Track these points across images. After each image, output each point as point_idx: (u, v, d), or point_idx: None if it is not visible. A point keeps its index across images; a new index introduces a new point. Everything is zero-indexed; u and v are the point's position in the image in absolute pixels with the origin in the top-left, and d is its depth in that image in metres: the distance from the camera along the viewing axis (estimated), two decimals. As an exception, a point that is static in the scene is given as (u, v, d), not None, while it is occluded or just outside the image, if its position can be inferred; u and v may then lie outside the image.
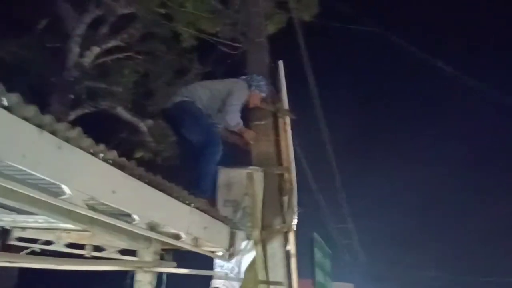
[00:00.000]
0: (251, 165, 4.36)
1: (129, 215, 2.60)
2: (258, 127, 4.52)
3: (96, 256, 3.63)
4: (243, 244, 3.96)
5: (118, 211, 2.56)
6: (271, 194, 4.20)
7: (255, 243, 3.90)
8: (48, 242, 3.75)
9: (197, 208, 3.29)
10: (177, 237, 3.15)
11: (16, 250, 3.87)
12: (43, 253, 3.74)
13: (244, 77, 4.50)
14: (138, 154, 9.66)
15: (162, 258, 3.77)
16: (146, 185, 2.67)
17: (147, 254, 3.44)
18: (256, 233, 3.91)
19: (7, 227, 3.62)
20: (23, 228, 3.64)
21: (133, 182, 2.55)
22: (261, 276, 3.85)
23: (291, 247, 4.09)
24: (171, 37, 8.73)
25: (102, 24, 9.61)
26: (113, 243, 3.54)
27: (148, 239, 3.26)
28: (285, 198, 4.21)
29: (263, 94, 4.49)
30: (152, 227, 2.83)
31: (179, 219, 3.08)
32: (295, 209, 4.19)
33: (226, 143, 4.33)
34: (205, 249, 3.71)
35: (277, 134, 4.51)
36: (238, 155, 4.55)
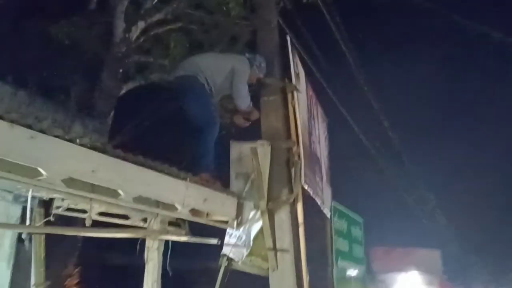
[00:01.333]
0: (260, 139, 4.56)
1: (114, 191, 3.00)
2: (267, 102, 4.72)
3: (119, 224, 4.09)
4: (251, 214, 4.24)
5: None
6: (278, 167, 4.42)
7: (262, 213, 4.17)
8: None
9: (194, 182, 3.62)
10: (173, 208, 3.51)
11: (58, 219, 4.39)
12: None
13: (248, 55, 4.67)
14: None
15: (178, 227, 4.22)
16: (130, 164, 3.05)
17: (155, 223, 3.87)
18: (262, 203, 4.18)
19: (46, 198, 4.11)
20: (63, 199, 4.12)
21: (115, 162, 2.94)
22: (268, 244, 4.13)
23: (299, 216, 4.30)
24: (218, 5, 8.66)
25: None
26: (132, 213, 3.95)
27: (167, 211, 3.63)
28: (293, 171, 4.38)
29: (261, 75, 4.65)
30: (142, 201, 3.21)
31: (173, 193, 3.44)
32: (302, 180, 4.38)
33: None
34: (211, 219, 4.05)
35: (286, 109, 4.66)
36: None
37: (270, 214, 4.26)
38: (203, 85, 4.25)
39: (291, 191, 4.35)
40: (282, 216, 4.27)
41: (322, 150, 6.62)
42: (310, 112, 5.96)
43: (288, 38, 4.84)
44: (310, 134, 5.54)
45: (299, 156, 4.47)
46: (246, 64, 4.53)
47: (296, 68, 5.18)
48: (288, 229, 4.20)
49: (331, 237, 4.89)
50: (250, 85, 4.68)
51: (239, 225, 4.21)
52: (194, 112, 4.20)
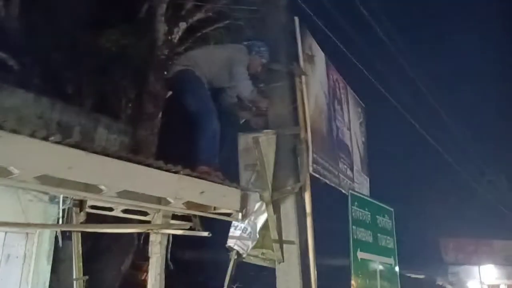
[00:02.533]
0: (267, 129, 4.47)
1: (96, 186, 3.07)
2: (273, 89, 4.60)
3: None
4: (257, 205, 4.18)
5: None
6: (284, 156, 4.31)
7: (266, 204, 4.09)
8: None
9: (188, 175, 3.61)
10: (165, 202, 3.53)
11: (92, 217, 4.62)
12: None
13: (245, 42, 4.57)
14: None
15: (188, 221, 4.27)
16: (112, 159, 3.09)
17: (158, 218, 3.92)
18: (266, 194, 4.10)
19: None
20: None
21: (94, 158, 2.99)
22: (273, 235, 4.05)
23: (307, 206, 4.17)
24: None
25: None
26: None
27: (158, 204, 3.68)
28: (300, 159, 4.25)
29: (264, 60, 4.52)
30: (129, 195, 3.26)
31: (164, 187, 3.45)
32: (310, 168, 4.23)
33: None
34: (214, 211, 4.03)
35: (294, 95, 4.52)
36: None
37: (275, 205, 4.17)
38: (199, 78, 4.23)
39: (297, 180, 4.21)
40: (288, 207, 4.17)
41: (353, 137, 6.38)
42: (334, 97, 5.75)
43: (296, 19, 4.66)
44: (330, 119, 5.35)
45: (307, 143, 4.30)
46: (243, 51, 4.45)
47: (310, 50, 5.00)
48: (294, 220, 4.10)
49: (350, 228, 4.67)
50: (255, 74, 4.59)
51: (244, 217, 4.15)
52: (191, 106, 4.19)
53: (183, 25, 9.81)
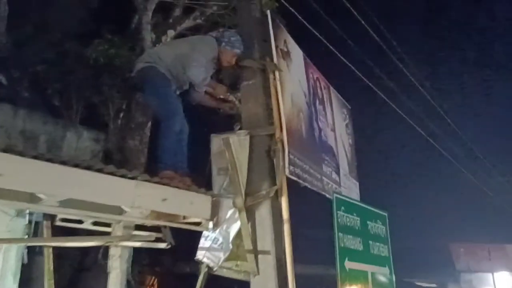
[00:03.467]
0: (240, 129, 4.13)
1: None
2: (246, 87, 4.27)
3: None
4: (229, 212, 3.82)
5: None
6: (259, 158, 3.95)
7: (239, 211, 3.73)
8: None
9: (147, 181, 3.25)
10: (120, 211, 3.17)
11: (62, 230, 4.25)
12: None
13: (215, 33, 4.25)
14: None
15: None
16: (54, 165, 2.74)
17: (118, 229, 3.55)
18: (239, 200, 3.75)
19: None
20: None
21: (31, 164, 2.64)
22: (247, 245, 3.69)
23: (284, 212, 3.80)
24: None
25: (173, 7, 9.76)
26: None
27: (118, 214, 3.33)
28: (275, 160, 3.89)
29: (236, 51, 4.20)
30: (74, 204, 2.89)
31: (118, 194, 3.10)
32: (286, 170, 3.87)
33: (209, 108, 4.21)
34: (183, 221, 3.67)
35: (268, 92, 4.17)
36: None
37: (249, 212, 3.81)
38: (163, 74, 3.90)
39: (272, 183, 3.85)
40: (263, 213, 3.81)
41: (338, 139, 6.04)
42: (315, 96, 5.42)
43: (269, 13, 4.34)
44: (310, 119, 5.02)
45: (282, 143, 3.95)
46: (209, 42, 4.16)
47: (285, 46, 4.68)
48: (270, 227, 3.74)
49: (335, 235, 4.30)
50: (229, 66, 4.27)
51: (215, 226, 3.81)
52: (154, 106, 3.87)
53: (171, 33, 9.56)
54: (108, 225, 4.07)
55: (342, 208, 4.51)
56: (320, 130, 5.35)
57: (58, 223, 4.03)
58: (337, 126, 6.14)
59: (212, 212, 3.80)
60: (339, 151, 6.05)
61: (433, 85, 10.23)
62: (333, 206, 4.37)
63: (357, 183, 6.73)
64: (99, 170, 2.99)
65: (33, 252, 4.47)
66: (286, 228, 3.77)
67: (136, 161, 7.00)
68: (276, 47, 4.38)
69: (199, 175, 4.27)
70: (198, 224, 3.74)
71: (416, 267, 14.65)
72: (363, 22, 6.93)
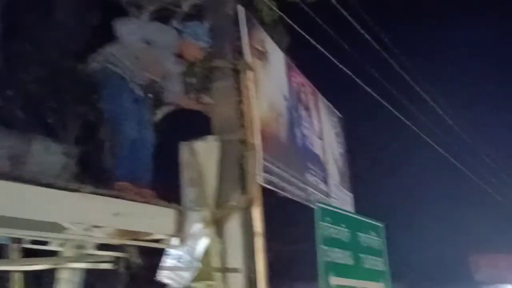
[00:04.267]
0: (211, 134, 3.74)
1: None
2: (217, 89, 3.90)
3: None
4: (197, 227, 3.40)
5: None
6: (230, 166, 3.56)
7: (207, 225, 3.32)
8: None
9: (93, 193, 2.86)
10: (60, 228, 2.77)
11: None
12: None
13: (177, 25, 3.89)
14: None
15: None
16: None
17: (68, 249, 3.15)
18: (207, 212, 3.34)
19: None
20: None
21: None
22: (216, 262, 3.27)
23: (257, 224, 3.38)
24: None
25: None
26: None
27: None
28: (246, 168, 3.49)
29: (203, 44, 3.84)
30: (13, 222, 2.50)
31: (57, 208, 2.70)
32: (259, 178, 3.47)
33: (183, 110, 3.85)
34: (146, 238, 3.27)
35: (240, 95, 3.80)
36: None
37: (219, 225, 3.40)
38: (117, 75, 3.53)
39: (243, 193, 3.44)
40: (233, 227, 3.39)
41: (327, 147, 5.66)
42: (298, 101, 5.06)
43: (239, 8, 3.99)
44: (291, 125, 4.64)
45: (255, 148, 3.56)
46: (169, 34, 3.78)
47: (261, 45, 4.34)
48: (240, 242, 3.31)
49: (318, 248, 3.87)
50: (194, 61, 3.93)
51: (181, 242, 3.39)
52: (105, 111, 3.47)
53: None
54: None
55: (327, 218, 4.08)
56: (304, 137, 4.96)
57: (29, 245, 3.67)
58: (325, 135, 5.76)
59: (177, 227, 3.40)
60: (328, 160, 5.65)
61: (447, 100, 9.87)
62: (316, 216, 3.94)
63: (351, 195, 6.33)
64: (32, 182, 2.60)
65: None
66: (259, 242, 3.37)
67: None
68: (250, 45, 4.02)
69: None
70: (156, 241, 3.33)
71: (433, 280, 14.12)
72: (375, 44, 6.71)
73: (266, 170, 3.69)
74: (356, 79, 6.54)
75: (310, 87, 5.62)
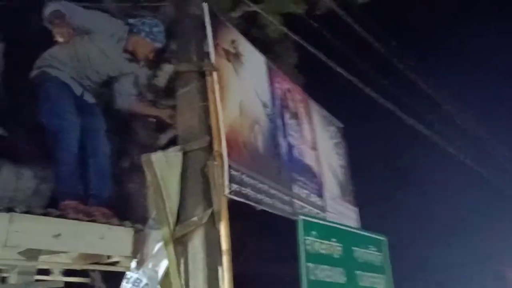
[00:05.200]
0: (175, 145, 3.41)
1: None
2: (182, 96, 3.59)
3: None
4: (157, 247, 3.04)
5: None
6: (194, 177, 3.20)
7: (166, 244, 2.96)
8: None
9: (27, 213, 2.54)
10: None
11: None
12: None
13: (131, 20, 3.60)
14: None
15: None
16: None
17: (12, 276, 2.82)
18: (165, 230, 2.98)
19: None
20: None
21: None
22: (176, 285, 2.87)
23: (223, 240, 2.99)
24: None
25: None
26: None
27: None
28: (211, 178, 3.13)
29: (157, 44, 3.55)
30: None
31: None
32: (226, 189, 3.10)
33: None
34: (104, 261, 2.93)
35: (205, 99, 3.47)
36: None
37: (182, 244, 3.02)
38: (56, 79, 3.24)
39: (209, 206, 3.07)
40: (196, 245, 3.00)
41: (322, 159, 5.28)
42: (283, 109, 4.73)
43: (205, 6, 3.69)
44: (273, 134, 4.30)
45: (221, 157, 3.20)
46: (117, 25, 3.50)
47: (232, 47, 4.05)
48: (202, 261, 2.92)
49: (301, 266, 3.45)
50: (145, 60, 3.70)
51: (139, 264, 3.03)
52: (46, 122, 3.16)
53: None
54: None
55: (313, 232, 3.68)
56: (291, 147, 4.58)
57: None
58: (320, 145, 5.37)
59: (135, 247, 3.05)
60: (323, 172, 5.23)
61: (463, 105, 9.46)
62: (299, 230, 3.54)
63: (355, 209, 5.86)
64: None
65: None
66: (226, 261, 2.97)
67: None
68: (218, 46, 3.72)
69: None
70: (113, 263, 2.97)
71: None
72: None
73: (237, 181, 3.31)
74: (361, 88, 6.31)
75: (300, 95, 5.28)
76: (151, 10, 4.20)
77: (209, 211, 3.03)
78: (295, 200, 4.23)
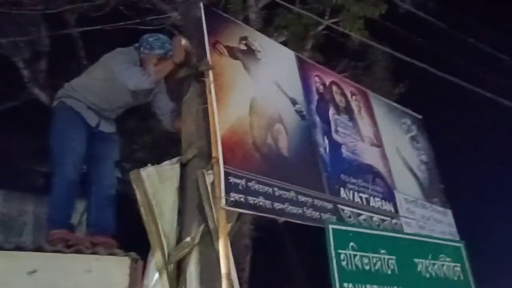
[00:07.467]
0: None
1: None
2: (184, 103, 3.27)
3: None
4: (155, 276, 2.66)
5: None
6: (191, 191, 2.79)
7: (159, 272, 2.57)
8: None
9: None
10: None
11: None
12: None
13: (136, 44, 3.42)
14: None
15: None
16: None
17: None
18: (158, 256, 2.59)
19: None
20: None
21: None
22: (172, 322, 2.45)
23: (222, 263, 2.50)
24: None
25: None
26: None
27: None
28: (202, 190, 2.70)
29: (157, 52, 3.29)
30: None
31: None
32: (222, 201, 2.63)
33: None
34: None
35: (205, 102, 3.09)
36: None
37: (179, 270, 2.60)
38: (70, 109, 3.15)
39: (204, 224, 2.62)
40: (191, 269, 2.56)
41: (392, 155, 4.67)
42: (324, 103, 4.18)
43: (202, 5, 3.37)
44: (308, 131, 3.73)
45: (217, 163, 2.76)
46: (124, 51, 3.34)
47: (243, 44, 3.68)
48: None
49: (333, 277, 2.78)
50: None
51: (137, 296, 2.66)
52: (51, 149, 3.08)
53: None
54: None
55: (351, 244, 2.99)
56: (336, 145, 3.94)
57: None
58: (387, 140, 4.63)
59: (131, 278, 2.70)
60: (394, 170, 4.46)
61: None
62: (328, 242, 2.89)
63: (447, 210, 4.92)
64: None
65: None
66: (225, 285, 2.44)
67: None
68: (216, 43, 3.34)
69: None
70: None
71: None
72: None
73: (240, 190, 2.80)
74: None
75: (354, 88, 4.67)
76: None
77: (200, 229, 2.57)
78: (343, 207, 3.55)
